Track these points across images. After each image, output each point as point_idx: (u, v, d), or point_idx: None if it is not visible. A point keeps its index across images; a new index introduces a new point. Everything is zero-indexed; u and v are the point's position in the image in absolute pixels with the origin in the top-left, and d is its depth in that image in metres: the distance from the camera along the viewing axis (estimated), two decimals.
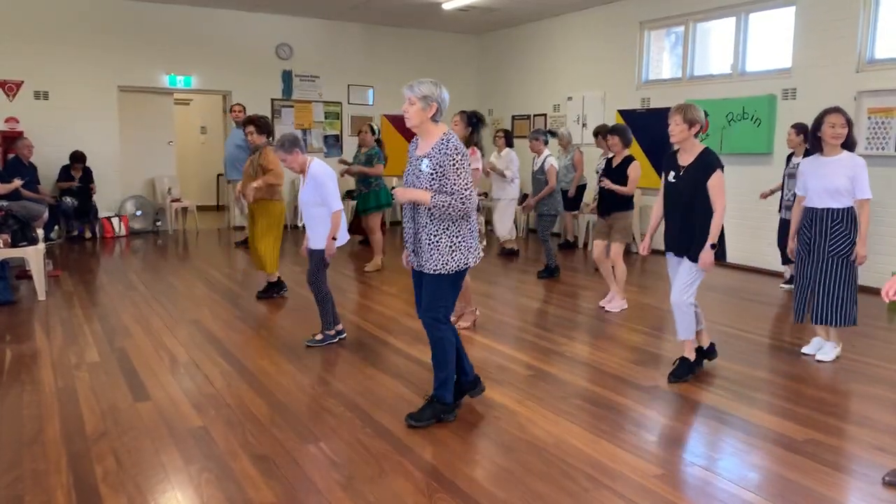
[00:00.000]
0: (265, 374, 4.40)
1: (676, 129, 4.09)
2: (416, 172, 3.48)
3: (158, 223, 11.16)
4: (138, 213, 10.98)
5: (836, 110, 4.47)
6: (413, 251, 3.56)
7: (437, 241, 3.45)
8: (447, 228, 3.46)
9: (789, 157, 6.95)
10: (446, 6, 10.47)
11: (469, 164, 3.50)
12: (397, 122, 12.44)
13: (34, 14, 9.95)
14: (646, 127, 9.11)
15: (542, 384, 4.28)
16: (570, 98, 11.10)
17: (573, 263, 8.79)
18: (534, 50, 11.91)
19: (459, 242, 3.48)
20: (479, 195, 7.81)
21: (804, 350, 4.92)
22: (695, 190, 4.10)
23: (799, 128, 6.72)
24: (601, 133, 8.09)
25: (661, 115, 9.39)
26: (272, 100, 11.75)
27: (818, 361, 4.74)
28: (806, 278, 4.68)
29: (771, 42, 8.29)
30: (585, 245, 10.03)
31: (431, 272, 3.48)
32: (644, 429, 3.63)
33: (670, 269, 4.43)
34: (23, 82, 9.99)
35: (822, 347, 4.83)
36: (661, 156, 9.36)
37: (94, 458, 3.18)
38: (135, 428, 3.53)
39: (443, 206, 3.38)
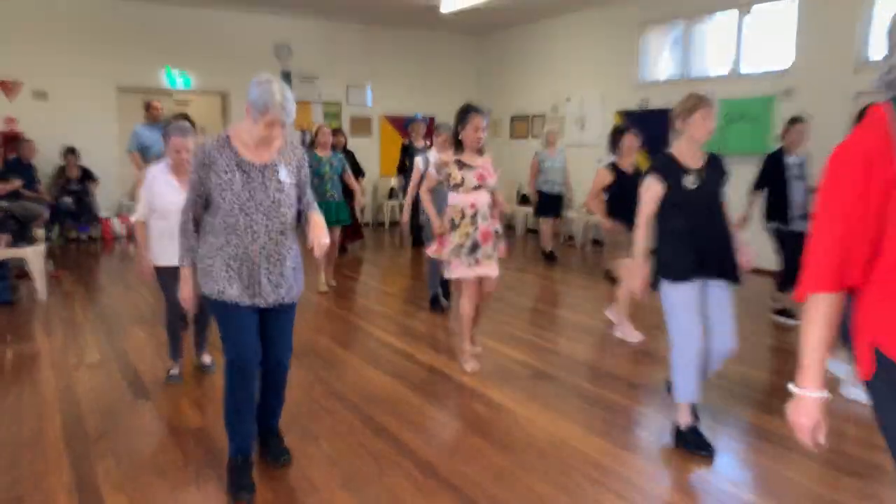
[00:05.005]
0: None
1: (714, 124, 3.23)
2: (275, 185, 2.78)
3: None
4: None
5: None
6: (274, 285, 2.84)
7: (300, 262, 2.99)
8: (296, 245, 2.98)
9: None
10: (443, 10, 10.47)
11: None
12: (397, 123, 12.46)
13: (33, 14, 9.94)
14: (645, 127, 9.09)
15: (542, 384, 4.28)
16: (568, 98, 11.10)
17: (570, 264, 8.79)
18: (533, 50, 11.92)
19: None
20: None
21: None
22: (716, 195, 3.32)
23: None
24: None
25: (660, 116, 9.50)
26: None
27: None
28: None
29: (770, 42, 8.30)
30: (583, 246, 10.03)
31: (295, 300, 2.97)
32: (644, 428, 3.64)
33: (693, 302, 3.36)
34: (22, 83, 9.98)
35: None
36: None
37: (94, 458, 3.19)
38: (135, 428, 3.53)
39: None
